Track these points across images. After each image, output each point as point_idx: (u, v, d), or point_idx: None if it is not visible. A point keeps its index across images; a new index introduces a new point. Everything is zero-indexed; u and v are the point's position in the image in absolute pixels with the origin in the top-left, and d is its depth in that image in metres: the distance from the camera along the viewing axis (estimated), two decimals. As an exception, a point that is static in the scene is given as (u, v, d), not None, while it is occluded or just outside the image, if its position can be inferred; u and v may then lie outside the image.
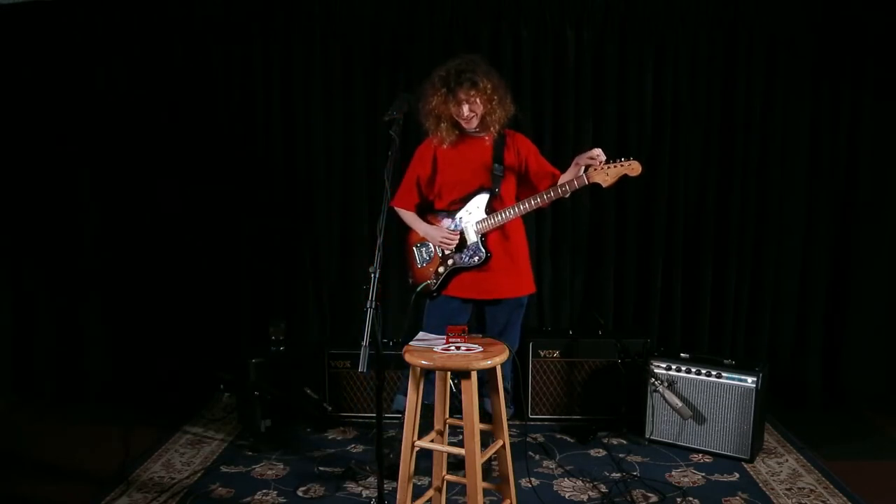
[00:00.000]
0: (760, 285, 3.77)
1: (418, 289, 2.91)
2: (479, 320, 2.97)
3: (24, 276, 3.94)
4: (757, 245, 3.76)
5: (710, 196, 3.76)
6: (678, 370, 3.19)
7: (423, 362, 2.20)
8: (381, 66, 3.71)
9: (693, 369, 3.16)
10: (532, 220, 3.77)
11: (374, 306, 2.14)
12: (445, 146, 2.81)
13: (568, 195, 2.68)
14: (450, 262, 2.83)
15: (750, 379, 3.04)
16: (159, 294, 3.88)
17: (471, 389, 2.15)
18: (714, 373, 3.11)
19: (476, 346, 2.29)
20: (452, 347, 2.28)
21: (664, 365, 3.22)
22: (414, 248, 2.96)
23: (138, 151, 3.82)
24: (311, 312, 3.87)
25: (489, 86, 2.67)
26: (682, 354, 3.28)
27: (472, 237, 2.79)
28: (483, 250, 2.77)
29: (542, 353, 3.51)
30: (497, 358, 2.20)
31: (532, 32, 3.67)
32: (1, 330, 3.97)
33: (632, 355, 3.33)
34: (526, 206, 2.70)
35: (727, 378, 3.09)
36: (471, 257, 2.79)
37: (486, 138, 2.82)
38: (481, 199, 2.77)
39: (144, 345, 3.89)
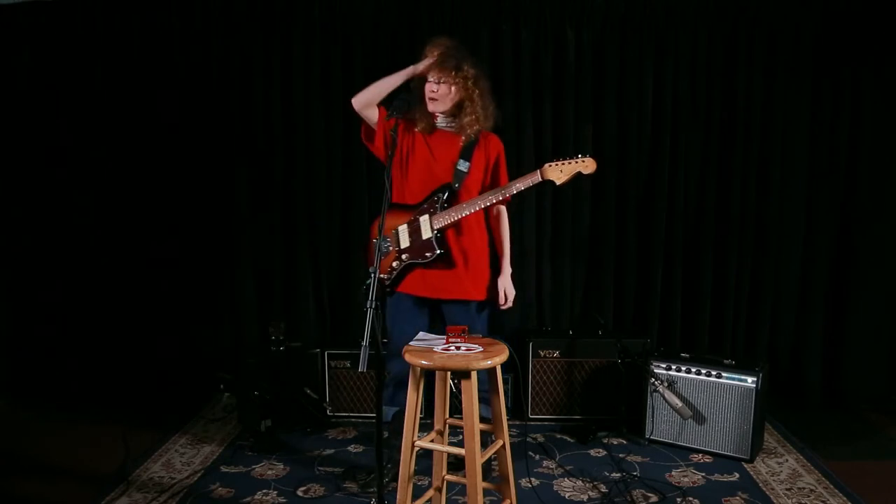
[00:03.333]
0: (760, 285, 3.77)
1: (367, 284, 2.84)
2: (440, 321, 2.86)
3: (22, 275, 3.94)
4: (757, 245, 3.77)
5: (710, 196, 3.76)
6: (678, 370, 3.19)
7: (423, 362, 2.20)
8: (382, 67, 3.70)
9: (693, 369, 3.16)
10: (532, 221, 3.78)
11: (374, 306, 2.14)
12: (417, 129, 2.74)
13: (520, 190, 2.67)
14: (404, 256, 2.75)
15: (750, 379, 3.04)
16: (159, 294, 3.88)
17: (471, 389, 2.15)
18: (714, 373, 3.11)
19: (476, 346, 2.29)
20: (452, 347, 2.28)
21: (664, 365, 3.22)
22: (373, 243, 2.81)
23: (137, 151, 3.82)
24: (310, 312, 3.87)
25: (471, 73, 2.66)
26: (682, 354, 3.28)
27: (427, 232, 2.72)
28: (436, 246, 2.70)
29: (542, 353, 3.51)
30: (497, 358, 2.20)
31: (532, 32, 3.67)
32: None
33: (632, 355, 3.33)
34: (480, 204, 2.66)
35: (727, 378, 3.09)
36: (424, 253, 2.73)
37: (460, 138, 2.75)
38: (441, 195, 2.72)
39: (144, 345, 3.89)
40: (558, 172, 2.60)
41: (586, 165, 2.58)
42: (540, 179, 2.62)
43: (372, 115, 2.76)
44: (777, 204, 3.74)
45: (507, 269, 2.87)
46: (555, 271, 3.84)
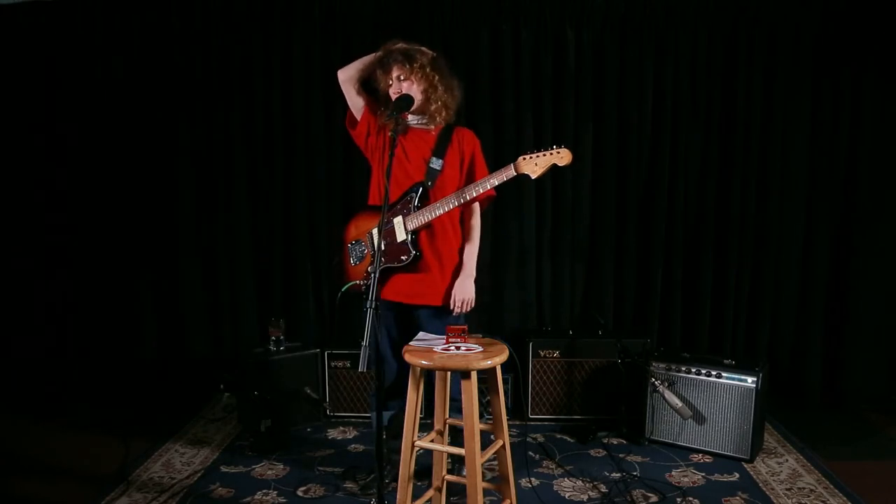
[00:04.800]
0: (760, 285, 3.77)
1: (344, 288, 2.77)
2: (413, 327, 2.75)
3: (23, 273, 3.94)
4: (757, 245, 3.77)
5: (710, 196, 3.76)
6: (678, 370, 3.19)
7: (423, 362, 2.20)
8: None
9: (693, 369, 3.16)
10: (532, 221, 3.78)
11: (374, 306, 2.14)
12: (389, 133, 2.65)
13: (495, 185, 2.58)
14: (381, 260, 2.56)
15: (750, 379, 3.04)
16: (159, 293, 3.88)
17: (471, 389, 2.15)
18: (714, 373, 3.11)
19: (476, 346, 2.29)
20: (452, 347, 2.28)
21: (664, 365, 3.22)
22: (349, 247, 2.81)
23: (136, 150, 3.82)
24: (310, 312, 3.87)
25: (426, 60, 2.64)
26: (682, 354, 3.28)
27: (401, 234, 2.65)
28: (411, 249, 2.63)
29: (542, 353, 3.51)
30: (497, 358, 2.21)
31: (532, 32, 3.67)
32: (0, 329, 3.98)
33: (632, 355, 3.33)
34: (453, 202, 2.57)
35: (727, 378, 3.09)
36: (399, 256, 2.65)
37: (432, 131, 2.72)
38: (414, 194, 2.64)
39: (144, 345, 3.89)
40: (533, 165, 2.50)
41: (561, 157, 2.49)
42: (514, 174, 2.52)
43: (354, 94, 2.75)
44: (777, 204, 3.73)
45: (467, 271, 2.73)
46: (555, 271, 3.84)
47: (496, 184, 2.55)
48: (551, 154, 2.50)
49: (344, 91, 2.77)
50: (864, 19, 3.58)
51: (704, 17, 3.64)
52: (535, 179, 2.55)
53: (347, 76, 2.76)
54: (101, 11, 3.74)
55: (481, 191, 2.57)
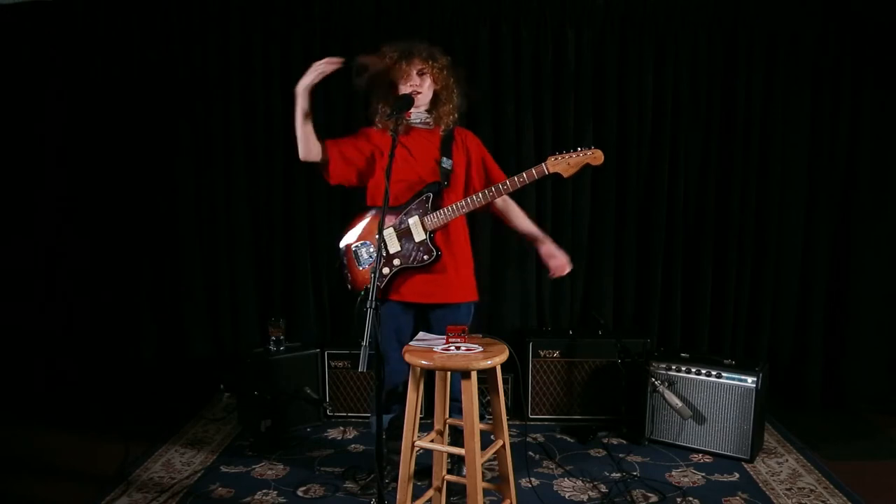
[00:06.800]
0: (760, 285, 3.77)
1: (362, 292, 2.65)
2: (426, 327, 2.76)
3: (23, 274, 3.94)
4: (757, 245, 3.77)
5: (710, 196, 3.76)
6: (678, 370, 3.19)
7: (423, 362, 2.20)
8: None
9: (693, 369, 3.16)
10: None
11: (374, 306, 2.14)
12: (390, 132, 2.61)
13: (525, 185, 2.60)
14: (395, 261, 2.63)
15: (750, 379, 3.04)
16: (159, 293, 3.88)
17: (471, 389, 2.15)
18: (714, 373, 3.11)
19: (476, 346, 2.29)
20: (452, 347, 2.28)
21: (664, 365, 3.22)
22: (352, 249, 2.76)
23: (137, 150, 3.82)
24: (311, 312, 3.87)
25: (445, 62, 2.66)
26: (682, 354, 3.28)
27: (419, 234, 2.63)
28: (434, 248, 2.61)
29: (542, 353, 3.52)
30: (497, 358, 2.21)
31: (532, 32, 3.67)
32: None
33: (632, 355, 3.33)
34: (480, 199, 2.58)
35: (727, 378, 3.09)
36: (420, 256, 2.63)
37: (436, 131, 2.73)
38: (429, 194, 2.64)
39: (144, 344, 3.89)
40: (565, 165, 2.55)
41: (595, 157, 2.55)
42: (546, 172, 2.56)
43: (318, 153, 2.77)
44: (777, 204, 3.74)
45: (541, 237, 2.82)
46: (555, 271, 3.84)
47: (527, 182, 2.58)
48: (584, 154, 2.55)
49: (311, 160, 2.78)
50: (864, 19, 3.57)
51: (704, 18, 3.64)
52: (566, 178, 2.60)
53: (307, 147, 2.77)
54: (101, 12, 3.74)
55: (518, 184, 2.59)
